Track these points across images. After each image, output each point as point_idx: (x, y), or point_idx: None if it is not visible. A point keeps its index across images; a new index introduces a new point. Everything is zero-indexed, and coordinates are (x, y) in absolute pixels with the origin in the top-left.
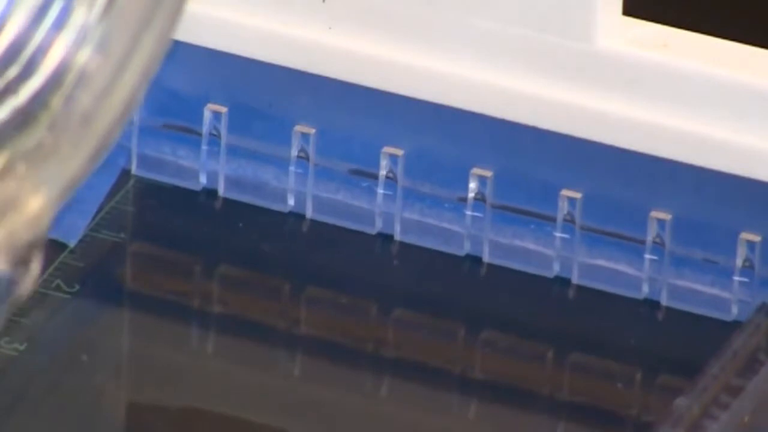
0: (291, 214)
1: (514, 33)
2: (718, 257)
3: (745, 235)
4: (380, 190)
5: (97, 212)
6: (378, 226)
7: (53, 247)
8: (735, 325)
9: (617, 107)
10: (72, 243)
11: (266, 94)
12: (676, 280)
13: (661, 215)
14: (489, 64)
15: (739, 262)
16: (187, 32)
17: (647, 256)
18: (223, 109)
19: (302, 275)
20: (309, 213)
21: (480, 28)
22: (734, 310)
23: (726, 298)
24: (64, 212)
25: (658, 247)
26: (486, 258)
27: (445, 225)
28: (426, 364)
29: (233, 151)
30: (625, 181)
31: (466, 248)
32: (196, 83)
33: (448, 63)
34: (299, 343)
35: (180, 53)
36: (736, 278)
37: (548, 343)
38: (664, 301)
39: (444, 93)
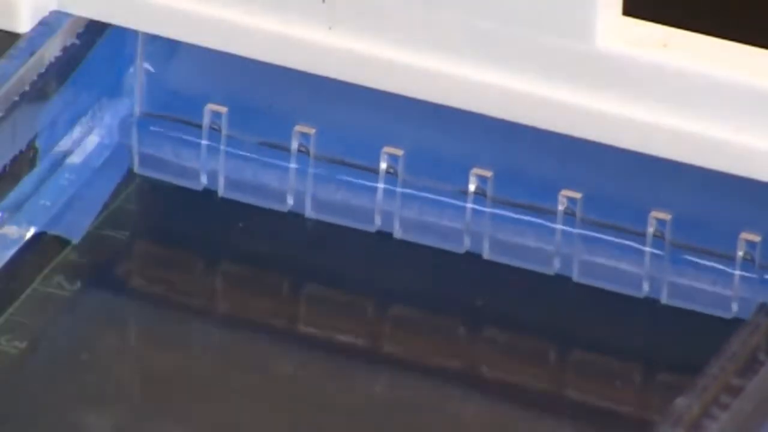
0: (290, 213)
1: (514, 33)
2: (719, 256)
3: (746, 235)
4: (380, 189)
5: (101, 211)
6: (377, 224)
7: (55, 244)
8: (735, 323)
9: (617, 107)
10: (75, 240)
11: (266, 94)
12: (677, 278)
13: (661, 215)
14: (489, 64)
15: (739, 260)
16: (187, 32)
17: (647, 252)
18: (224, 110)
19: (302, 274)
20: (308, 212)
21: (480, 28)
22: (734, 307)
23: (727, 295)
24: (67, 210)
25: (659, 244)
26: (486, 255)
27: (445, 223)
28: (425, 362)
29: (233, 151)
30: (625, 181)
31: (465, 245)
32: (197, 83)
33: (447, 63)
34: (299, 341)
35: (181, 53)
36: (737, 276)
37: (548, 341)
38: (665, 299)
39: (444, 93)
